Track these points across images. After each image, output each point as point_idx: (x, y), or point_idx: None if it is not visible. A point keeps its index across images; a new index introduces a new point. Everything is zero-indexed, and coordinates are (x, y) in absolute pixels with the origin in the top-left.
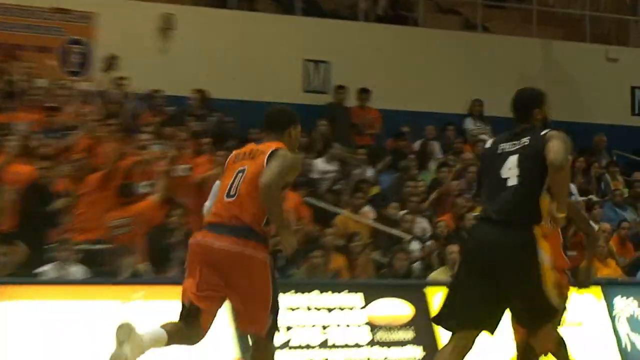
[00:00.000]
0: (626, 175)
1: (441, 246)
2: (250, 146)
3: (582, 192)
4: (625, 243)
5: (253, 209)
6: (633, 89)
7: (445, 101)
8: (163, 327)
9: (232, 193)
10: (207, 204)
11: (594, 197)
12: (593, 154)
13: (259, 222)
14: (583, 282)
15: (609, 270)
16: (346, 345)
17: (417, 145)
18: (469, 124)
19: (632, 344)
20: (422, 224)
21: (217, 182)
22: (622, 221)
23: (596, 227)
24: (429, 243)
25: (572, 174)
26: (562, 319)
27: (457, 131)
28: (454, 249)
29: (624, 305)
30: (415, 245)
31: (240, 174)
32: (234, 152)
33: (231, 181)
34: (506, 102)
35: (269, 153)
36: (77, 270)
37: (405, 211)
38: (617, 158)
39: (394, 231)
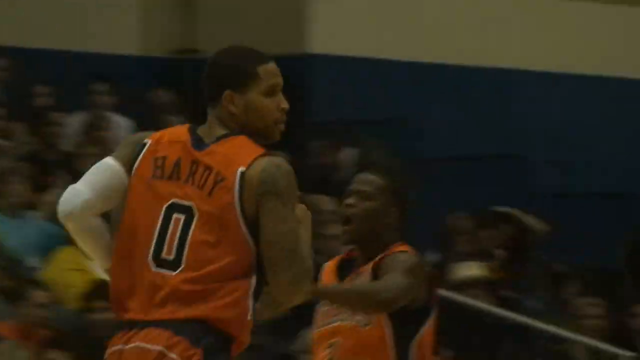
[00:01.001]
0: None
1: None
2: (179, 141)
3: None
4: None
5: (224, 294)
6: None
7: None
8: None
9: (168, 257)
10: (79, 187)
11: None
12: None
13: (231, 317)
14: None
15: None
16: None
17: None
18: None
19: None
20: None
21: (104, 165)
22: None
23: None
24: None
25: None
26: None
27: None
28: None
29: None
30: None
31: (177, 216)
32: (151, 145)
33: (158, 225)
34: None
35: (237, 178)
36: None
37: None
38: None
39: None
